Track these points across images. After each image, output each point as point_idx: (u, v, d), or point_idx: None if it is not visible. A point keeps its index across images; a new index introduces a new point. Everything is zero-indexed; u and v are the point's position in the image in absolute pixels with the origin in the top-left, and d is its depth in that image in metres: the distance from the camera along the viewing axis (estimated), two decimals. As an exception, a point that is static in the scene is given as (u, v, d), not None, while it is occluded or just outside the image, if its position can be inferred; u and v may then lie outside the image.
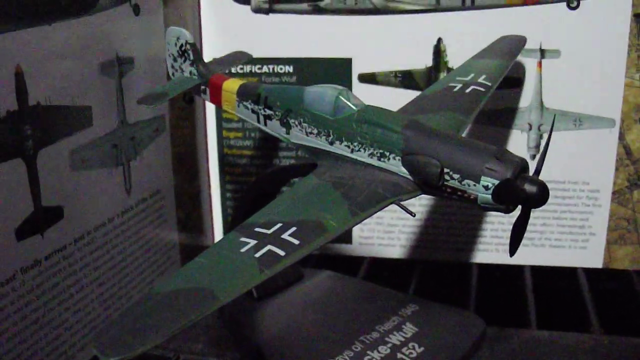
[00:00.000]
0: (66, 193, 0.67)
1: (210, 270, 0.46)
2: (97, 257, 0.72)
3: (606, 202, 0.87)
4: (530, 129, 0.86)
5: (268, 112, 0.64)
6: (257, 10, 0.89)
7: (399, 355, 0.68)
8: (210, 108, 0.93)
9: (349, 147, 0.58)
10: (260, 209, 0.53)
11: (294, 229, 0.49)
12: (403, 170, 0.55)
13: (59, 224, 0.66)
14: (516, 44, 0.78)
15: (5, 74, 0.58)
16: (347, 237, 0.94)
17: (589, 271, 0.89)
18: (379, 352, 0.69)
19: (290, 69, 0.90)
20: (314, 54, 0.89)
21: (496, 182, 0.51)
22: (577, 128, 0.85)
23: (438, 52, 0.86)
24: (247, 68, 0.91)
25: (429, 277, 0.90)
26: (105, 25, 0.71)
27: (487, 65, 0.73)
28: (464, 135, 0.67)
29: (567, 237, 0.89)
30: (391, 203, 0.54)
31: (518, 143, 0.87)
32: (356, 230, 0.94)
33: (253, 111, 0.66)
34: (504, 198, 0.51)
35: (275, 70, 0.91)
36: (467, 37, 0.84)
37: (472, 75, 0.70)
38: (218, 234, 0.98)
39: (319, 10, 0.87)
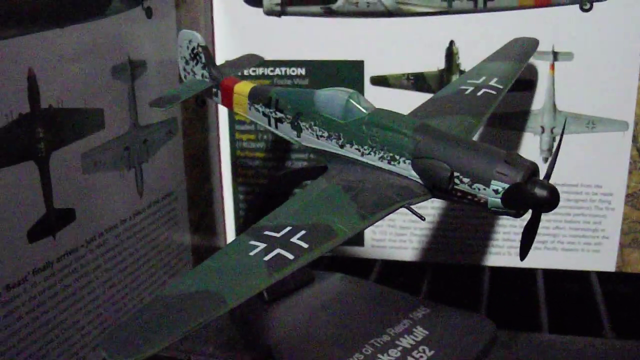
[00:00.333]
0: (78, 195, 0.67)
1: (219, 273, 0.47)
2: (108, 259, 0.72)
3: (619, 205, 0.87)
4: (543, 131, 0.86)
5: (279, 115, 0.64)
6: (270, 12, 0.89)
7: (410, 359, 0.68)
8: (223, 110, 0.93)
9: (359, 150, 0.58)
10: (271, 212, 0.53)
11: (303, 232, 0.49)
12: (413, 174, 0.55)
13: (70, 226, 0.66)
14: (529, 46, 0.78)
15: (17, 77, 0.59)
16: (359, 240, 0.94)
17: (601, 275, 0.88)
18: (389, 355, 0.69)
19: (303, 71, 0.90)
20: (326, 57, 0.89)
21: (506, 186, 0.50)
22: (590, 131, 0.85)
23: (450, 54, 0.86)
24: (259, 71, 0.91)
25: (441, 280, 0.89)
26: (117, 29, 0.71)
27: (499, 68, 0.72)
28: (475, 138, 0.67)
29: (580, 240, 0.88)
30: (401, 207, 0.54)
31: (530, 146, 0.87)
32: (368, 233, 0.93)
33: (264, 114, 0.66)
34: (514, 202, 0.51)
35: (288, 73, 0.91)
36: (479, 39, 0.83)
37: (484, 78, 0.70)
38: (230, 235, 0.99)
39: (331, 13, 0.87)
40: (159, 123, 0.80)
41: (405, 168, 0.55)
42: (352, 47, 0.88)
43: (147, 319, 0.43)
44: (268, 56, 0.81)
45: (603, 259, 0.89)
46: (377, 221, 0.53)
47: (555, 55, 0.83)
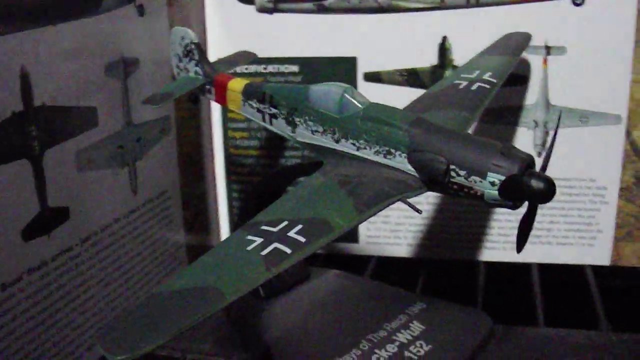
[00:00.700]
0: (72, 194, 0.67)
1: (216, 268, 0.46)
2: (103, 258, 0.72)
3: (613, 199, 0.87)
4: (536, 126, 0.86)
5: (273, 110, 0.64)
6: (262, 9, 0.89)
7: (407, 354, 0.68)
8: (216, 108, 0.93)
9: (354, 144, 0.58)
10: (266, 208, 0.53)
11: (300, 226, 0.49)
12: (409, 168, 0.55)
13: (65, 225, 0.66)
14: (521, 41, 0.78)
15: (10, 74, 0.58)
16: (353, 236, 0.94)
17: (596, 268, 0.89)
18: (386, 350, 0.69)
19: (295, 68, 0.90)
20: (319, 53, 0.89)
21: (502, 178, 0.50)
22: (584, 125, 0.85)
23: (443, 50, 0.86)
24: (252, 68, 0.91)
25: (436, 275, 0.89)
26: (110, 26, 0.71)
27: (493, 63, 0.73)
28: (469, 133, 0.67)
29: (574, 234, 0.89)
30: (397, 200, 0.54)
31: (524, 140, 0.87)
32: (363, 229, 0.93)
33: (259, 110, 0.66)
34: (511, 194, 0.51)
35: (280, 70, 0.91)
36: (472, 34, 0.83)
37: (477, 72, 0.70)
38: (224, 233, 0.98)
39: (323, 9, 0.87)
40: (153, 121, 0.80)
41: (401, 162, 0.55)
42: (344, 43, 0.88)
43: (145, 314, 0.42)
44: (261, 53, 0.80)
45: (597, 252, 0.89)
46: (373, 215, 0.53)
47: (548, 49, 0.84)
